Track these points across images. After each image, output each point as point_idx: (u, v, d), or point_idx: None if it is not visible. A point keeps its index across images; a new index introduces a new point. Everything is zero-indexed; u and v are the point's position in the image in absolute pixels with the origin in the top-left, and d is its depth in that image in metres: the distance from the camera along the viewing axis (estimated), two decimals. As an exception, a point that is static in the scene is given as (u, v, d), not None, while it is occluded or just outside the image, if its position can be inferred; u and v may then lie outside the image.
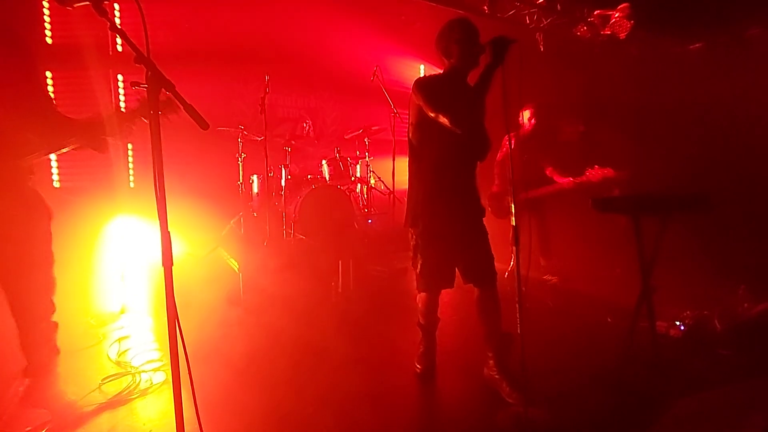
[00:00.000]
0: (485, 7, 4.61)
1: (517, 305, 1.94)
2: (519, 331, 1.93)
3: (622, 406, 2.14)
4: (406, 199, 2.33)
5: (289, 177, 4.59)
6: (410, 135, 2.26)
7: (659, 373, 2.32)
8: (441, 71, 2.24)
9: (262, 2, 5.15)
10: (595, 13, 5.00)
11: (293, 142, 4.83)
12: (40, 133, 1.64)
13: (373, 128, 4.95)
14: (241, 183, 4.83)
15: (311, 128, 5.16)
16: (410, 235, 2.31)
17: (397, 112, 4.76)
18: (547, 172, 4.00)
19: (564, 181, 3.88)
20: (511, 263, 4.16)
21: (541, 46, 5.08)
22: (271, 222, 4.22)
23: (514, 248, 1.94)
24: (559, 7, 4.80)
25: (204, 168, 4.73)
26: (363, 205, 5.11)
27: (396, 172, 4.75)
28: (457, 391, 2.33)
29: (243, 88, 5.53)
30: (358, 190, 5.17)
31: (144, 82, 1.07)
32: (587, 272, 4.47)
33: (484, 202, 3.73)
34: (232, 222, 4.74)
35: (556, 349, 2.74)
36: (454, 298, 3.92)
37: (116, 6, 3.96)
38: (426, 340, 2.47)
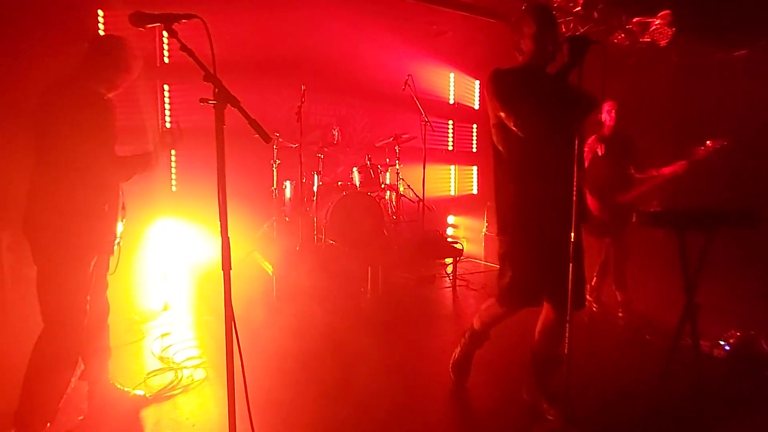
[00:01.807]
0: (520, 17, 4.60)
1: (567, 325, 1.86)
2: (566, 350, 1.85)
3: (661, 428, 2.08)
4: (495, 206, 2.12)
5: (321, 183, 4.68)
6: (493, 137, 2.06)
7: (702, 395, 2.24)
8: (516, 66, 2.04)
9: (296, 14, 5.31)
10: (634, 20, 4.89)
11: (326, 149, 4.93)
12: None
13: (403, 136, 5.00)
14: (275, 188, 4.96)
15: (340, 135, 5.25)
16: (500, 242, 2.10)
17: (428, 121, 4.79)
18: (634, 173, 3.51)
19: (676, 166, 3.24)
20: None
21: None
22: (303, 227, 4.31)
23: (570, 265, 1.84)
24: (596, 15, 4.73)
25: (240, 173, 4.88)
26: (392, 212, 5.16)
27: (426, 180, 4.77)
28: (491, 403, 2.32)
29: (278, 97, 5.69)
30: (387, 197, 5.21)
31: (210, 97, 1.15)
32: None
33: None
34: (265, 226, 4.87)
35: (593, 366, 2.68)
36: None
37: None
38: (467, 348, 2.38)
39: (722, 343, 2.74)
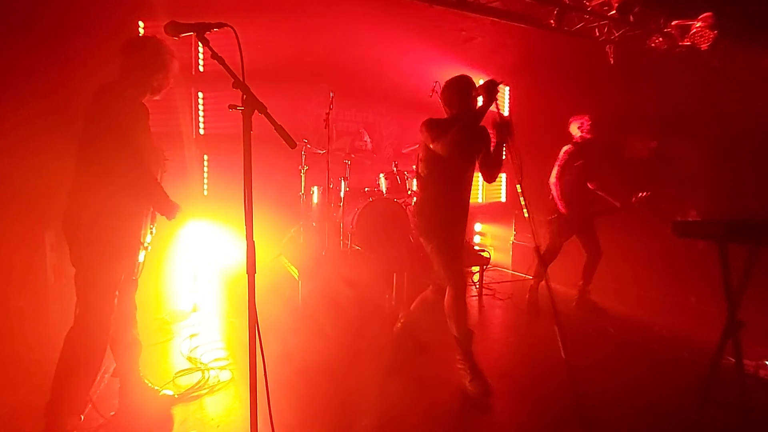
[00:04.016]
0: (552, 21, 4.50)
1: (556, 327, 2.10)
2: (563, 355, 2.02)
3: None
4: (417, 215, 2.76)
5: (348, 189, 4.71)
6: (418, 168, 2.70)
7: (746, 418, 2.09)
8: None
9: (325, 22, 5.39)
10: (673, 23, 4.70)
11: (353, 156, 4.97)
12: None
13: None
14: (303, 194, 5.03)
15: (370, 140, 5.28)
16: (430, 245, 2.63)
17: (456, 127, 4.75)
18: (591, 186, 3.94)
19: (615, 203, 3.85)
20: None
21: (611, 59, 4.86)
22: (329, 232, 4.34)
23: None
24: (632, 18, 4.57)
25: (269, 179, 4.98)
26: (418, 218, 5.12)
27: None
28: (513, 415, 2.25)
29: (307, 104, 5.79)
30: (413, 203, 5.19)
31: (239, 103, 1.18)
32: (656, 299, 4.16)
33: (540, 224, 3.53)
34: (292, 231, 4.94)
35: (624, 383, 2.57)
36: (508, 318, 3.80)
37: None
38: (466, 357, 2.48)
39: (769, 363, 2.57)
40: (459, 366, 2.51)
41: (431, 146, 2.49)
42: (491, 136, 2.64)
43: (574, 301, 3.99)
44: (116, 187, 1.83)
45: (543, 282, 3.96)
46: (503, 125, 2.53)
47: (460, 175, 2.64)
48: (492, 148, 2.65)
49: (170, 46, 2.02)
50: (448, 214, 2.66)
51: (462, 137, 2.39)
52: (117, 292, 1.93)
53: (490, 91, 2.40)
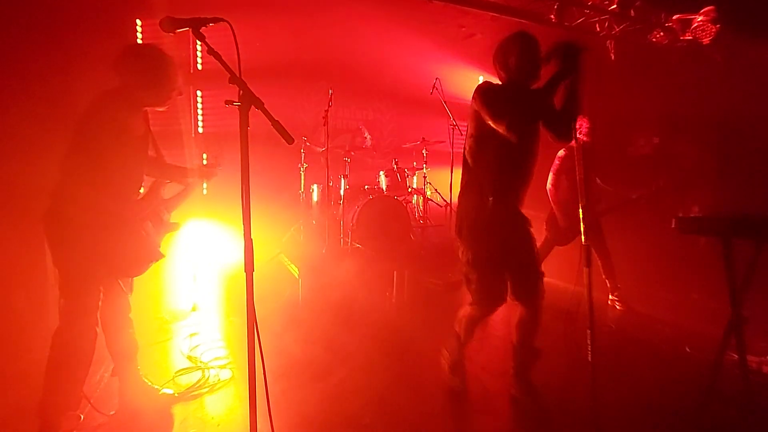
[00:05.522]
0: (552, 16, 4.48)
1: (588, 330, 1.91)
2: (590, 359, 1.88)
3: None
4: (456, 210, 2.26)
5: (348, 187, 4.70)
6: (466, 146, 2.20)
7: (750, 415, 2.08)
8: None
9: (324, 18, 5.36)
10: (674, 17, 4.68)
11: (353, 153, 4.96)
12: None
13: (432, 140, 4.96)
14: (302, 192, 5.01)
15: (370, 137, 5.26)
16: (461, 250, 2.21)
17: (456, 124, 4.73)
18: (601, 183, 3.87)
19: (643, 192, 3.73)
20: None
21: (612, 55, 4.83)
22: (330, 230, 4.33)
23: (585, 269, 1.92)
24: (632, 13, 4.55)
25: (269, 177, 4.96)
26: (419, 216, 5.11)
27: (453, 184, 4.70)
28: (514, 414, 2.24)
29: (306, 101, 5.78)
30: (414, 201, 5.18)
31: (236, 100, 1.17)
32: (658, 295, 4.14)
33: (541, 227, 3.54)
34: (292, 229, 4.93)
35: (627, 379, 2.55)
36: (509, 316, 3.78)
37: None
38: (456, 352, 2.39)
39: (772, 359, 2.55)
40: (443, 355, 2.43)
41: (489, 122, 1.98)
42: (554, 65, 1.97)
43: (617, 304, 3.84)
44: (102, 195, 1.80)
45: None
46: (571, 49, 1.89)
47: (524, 150, 2.08)
48: (564, 91, 2.02)
49: (171, 57, 1.87)
50: (497, 208, 2.08)
51: (532, 118, 1.97)
52: (102, 288, 1.90)
53: (570, 58, 1.88)
